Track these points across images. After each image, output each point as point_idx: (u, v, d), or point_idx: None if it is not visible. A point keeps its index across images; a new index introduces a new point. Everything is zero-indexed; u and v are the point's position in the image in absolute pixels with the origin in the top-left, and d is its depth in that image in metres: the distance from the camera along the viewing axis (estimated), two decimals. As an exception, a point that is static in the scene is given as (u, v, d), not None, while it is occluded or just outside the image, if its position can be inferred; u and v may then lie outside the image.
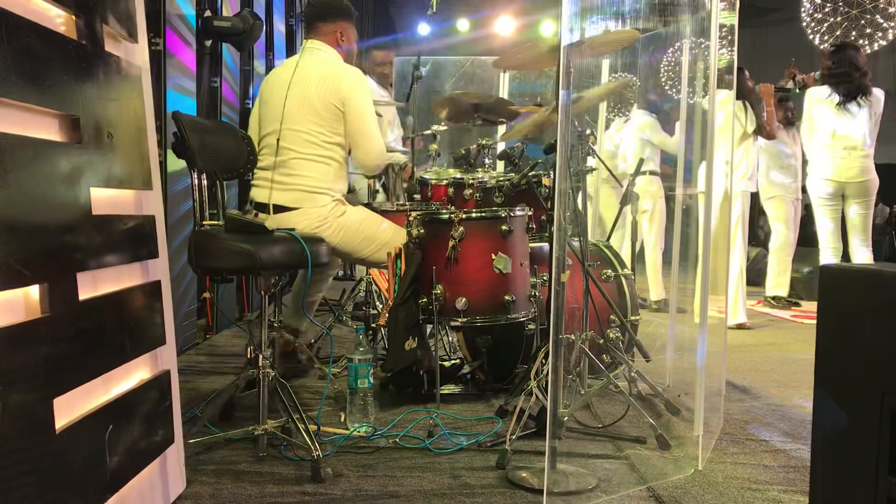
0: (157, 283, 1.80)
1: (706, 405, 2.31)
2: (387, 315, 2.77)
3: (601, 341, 2.71)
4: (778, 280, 5.79)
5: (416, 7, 10.95)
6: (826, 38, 6.44)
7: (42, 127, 1.36)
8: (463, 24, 9.34)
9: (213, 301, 4.12)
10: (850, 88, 4.92)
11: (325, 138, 2.91)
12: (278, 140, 2.89)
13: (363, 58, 5.25)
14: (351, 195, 4.59)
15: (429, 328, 2.98)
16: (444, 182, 3.15)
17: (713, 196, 3.87)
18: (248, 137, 2.76)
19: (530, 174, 2.89)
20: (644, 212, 5.71)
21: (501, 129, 4.00)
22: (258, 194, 2.94)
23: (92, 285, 1.49)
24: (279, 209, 2.86)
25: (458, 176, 3.14)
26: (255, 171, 2.93)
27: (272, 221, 2.67)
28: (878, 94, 5.00)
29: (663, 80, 7.32)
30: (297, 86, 2.92)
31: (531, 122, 2.80)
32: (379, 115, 4.11)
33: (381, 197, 4.17)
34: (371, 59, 5.14)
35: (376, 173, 3.49)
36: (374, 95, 3.52)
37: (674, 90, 6.52)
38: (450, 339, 3.48)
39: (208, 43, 4.24)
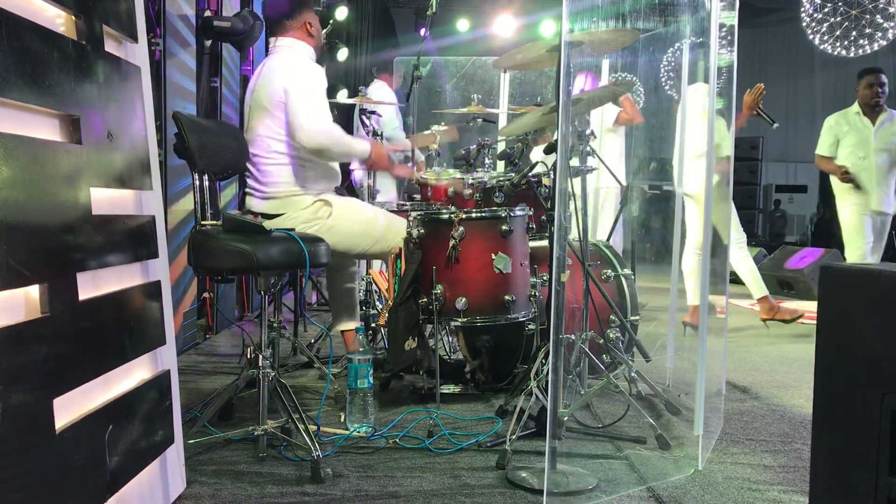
0: (157, 283, 1.80)
1: (706, 405, 2.31)
2: (387, 315, 2.77)
3: (601, 341, 2.71)
4: None
5: (415, 7, 10.96)
6: (826, 38, 6.43)
7: (42, 127, 1.36)
8: (463, 24, 9.32)
9: (212, 301, 4.12)
10: None
11: (287, 137, 2.87)
12: (248, 149, 2.86)
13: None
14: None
15: (429, 328, 2.98)
16: (444, 182, 3.15)
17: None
18: None
19: (530, 174, 2.89)
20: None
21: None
22: (248, 202, 2.97)
23: (92, 285, 1.49)
24: (267, 217, 2.87)
25: (458, 176, 3.13)
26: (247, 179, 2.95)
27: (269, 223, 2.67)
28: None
29: (663, 79, 7.30)
30: (257, 90, 2.90)
31: (527, 122, 2.80)
32: (379, 114, 4.10)
33: (381, 197, 4.17)
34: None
35: (316, 149, 3.16)
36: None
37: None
38: (450, 339, 3.48)
39: (208, 43, 4.24)
